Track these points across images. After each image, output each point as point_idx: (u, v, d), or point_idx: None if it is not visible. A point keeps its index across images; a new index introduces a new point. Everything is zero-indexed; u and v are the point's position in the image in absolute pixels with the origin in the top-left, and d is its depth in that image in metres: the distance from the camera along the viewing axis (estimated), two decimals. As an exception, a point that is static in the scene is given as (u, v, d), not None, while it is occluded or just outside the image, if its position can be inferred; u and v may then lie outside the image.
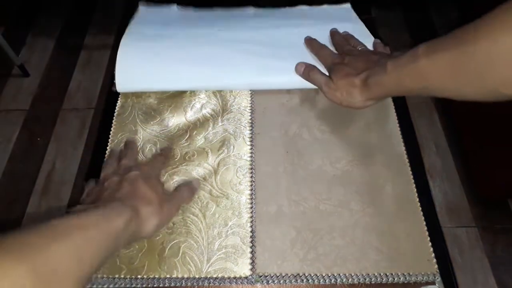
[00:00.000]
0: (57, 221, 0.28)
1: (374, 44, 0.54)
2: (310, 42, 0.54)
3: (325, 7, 0.62)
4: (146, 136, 0.50)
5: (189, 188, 0.43)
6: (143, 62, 0.54)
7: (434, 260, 0.40)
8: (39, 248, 0.24)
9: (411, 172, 0.45)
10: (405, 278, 0.39)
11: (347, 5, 0.62)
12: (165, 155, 0.46)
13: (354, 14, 0.61)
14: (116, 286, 0.39)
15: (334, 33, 0.55)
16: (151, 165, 0.44)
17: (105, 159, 0.48)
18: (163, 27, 0.58)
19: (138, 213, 0.34)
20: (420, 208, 0.43)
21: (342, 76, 0.46)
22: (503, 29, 0.29)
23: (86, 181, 0.46)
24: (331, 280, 0.39)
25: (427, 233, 0.41)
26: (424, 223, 0.42)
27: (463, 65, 0.32)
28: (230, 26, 0.58)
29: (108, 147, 0.49)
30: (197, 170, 0.46)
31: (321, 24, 0.57)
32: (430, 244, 0.41)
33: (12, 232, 0.24)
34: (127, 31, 0.56)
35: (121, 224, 0.32)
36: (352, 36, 0.54)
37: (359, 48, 0.52)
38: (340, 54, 0.51)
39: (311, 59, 0.53)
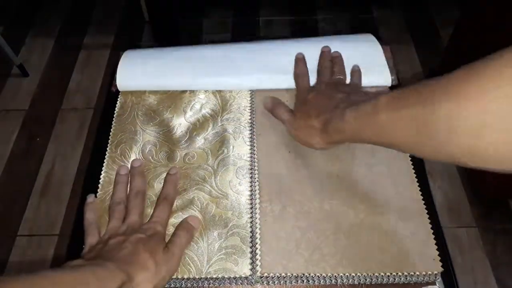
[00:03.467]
0: (53, 273, 0.31)
1: (352, 72, 0.52)
2: (297, 63, 0.53)
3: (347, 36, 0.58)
4: (146, 137, 0.49)
5: (187, 230, 0.41)
6: (144, 61, 0.54)
7: (439, 259, 0.39)
8: None
9: (414, 171, 0.45)
10: (406, 278, 0.39)
11: (369, 35, 0.58)
12: (171, 200, 0.44)
13: (376, 43, 0.56)
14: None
15: (323, 53, 0.53)
16: (155, 220, 0.42)
17: (102, 170, 0.48)
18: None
19: (131, 280, 0.35)
20: (425, 207, 0.43)
21: (303, 116, 0.45)
22: (466, 95, 0.26)
23: (84, 188, 0.46)
24: (331, 280, 0.39)
25: (431, 231, 0.41)
26: (429, 221, 0.42)
27: (423, 126, 0.29)
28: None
29: (108, 148, 0.49)
30: (197, 172, 0.46)
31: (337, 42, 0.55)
32: (435, 242, 0.40)
33: (13, 276, 0.28)
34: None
35: (112, 287, 0.33)
36: (341, 61, 0.52)
37: (336, 77, 0.50)
38: (312, 87, 0.49)
39: (312, 61, 0.53)
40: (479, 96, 0.25)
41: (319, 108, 0.43)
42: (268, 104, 0.50)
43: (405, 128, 0.31)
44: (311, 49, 0.54)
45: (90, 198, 0.44)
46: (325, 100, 0.44)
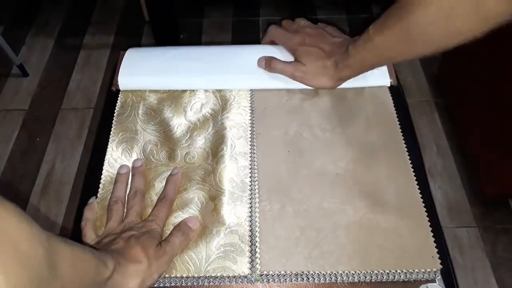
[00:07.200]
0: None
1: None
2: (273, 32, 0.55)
3: None
4: (147, 137, 0.49)
5: (183, 232, 0.41)
6: (146, 60, 0.55)
7: (438, 257, 0.40)
8: (60, 241, 0.29)
9: (412, 170, 0.45)
10: (406, 276, 0.39)
11: None
12: (170, 200, 0.44)
13: None
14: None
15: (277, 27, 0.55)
16: (151, 218, 0.42)
17: (103, 175, 0.48)
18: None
19: (124, 268, 0.35)
20: (423, 205, 0.43)
21: (313, 59, 0.50)
22: (420, 5, 0.37)
23: (84, 188, 0.46)
24: (331, 278, 0.39)
25: (430, 229, 0.41)
26: (428, 219, 0.42)
27: (406, 35, 0.41)
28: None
29: (108, 147, 0.48)
30: (197, 172, 0.46)
31: None
32: (433, 240, 0.40)
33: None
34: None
35: (106, 273, 0.33)
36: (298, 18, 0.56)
37: (305, 24, 0.54)
38: (295, 33, 0.52)
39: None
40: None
41: (325, 50, 0.50)
42: (262, 63, 0.53)
43: (395, 41, 0.42)
44: None
45: (91, 200, 0.45)
46: (327, 43, 0.50)
